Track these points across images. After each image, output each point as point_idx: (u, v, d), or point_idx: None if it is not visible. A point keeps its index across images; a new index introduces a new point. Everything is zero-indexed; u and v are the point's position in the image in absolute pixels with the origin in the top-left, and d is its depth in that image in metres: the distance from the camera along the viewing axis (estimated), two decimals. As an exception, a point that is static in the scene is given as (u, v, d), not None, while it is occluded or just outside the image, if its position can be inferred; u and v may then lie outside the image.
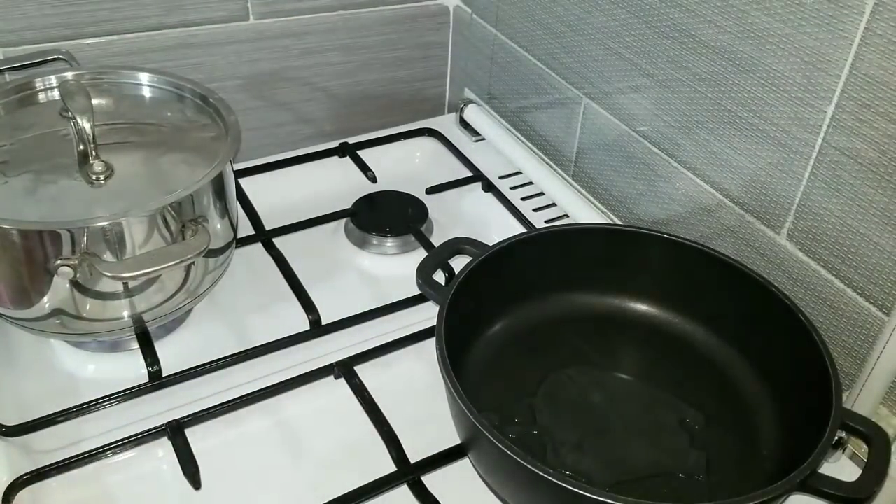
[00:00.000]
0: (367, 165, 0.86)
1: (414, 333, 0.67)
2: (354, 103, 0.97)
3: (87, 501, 0.55)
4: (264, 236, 0.76)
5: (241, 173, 0.83)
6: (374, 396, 0.61)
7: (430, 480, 0.56)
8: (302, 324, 0.67)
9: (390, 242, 0.78)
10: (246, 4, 0.84)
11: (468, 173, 0.88)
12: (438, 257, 0.65)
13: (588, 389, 0.61)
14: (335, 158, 0.88)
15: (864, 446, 0.53)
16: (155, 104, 0.68)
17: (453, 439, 0.56)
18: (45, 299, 0.56)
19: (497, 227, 0.81)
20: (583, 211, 0.80)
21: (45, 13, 0.75)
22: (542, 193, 0.85)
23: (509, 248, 0.63)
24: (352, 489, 0.54)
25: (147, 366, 0.61)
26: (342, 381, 0.63)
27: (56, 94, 0.66)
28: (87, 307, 0.58)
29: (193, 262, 0.60)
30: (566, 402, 0.60)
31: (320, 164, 0.87)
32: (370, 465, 0.56)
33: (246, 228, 0.76)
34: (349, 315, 0.68)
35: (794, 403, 0.57)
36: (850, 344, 0.60)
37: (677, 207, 0.72)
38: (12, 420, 0.58)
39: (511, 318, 0.66)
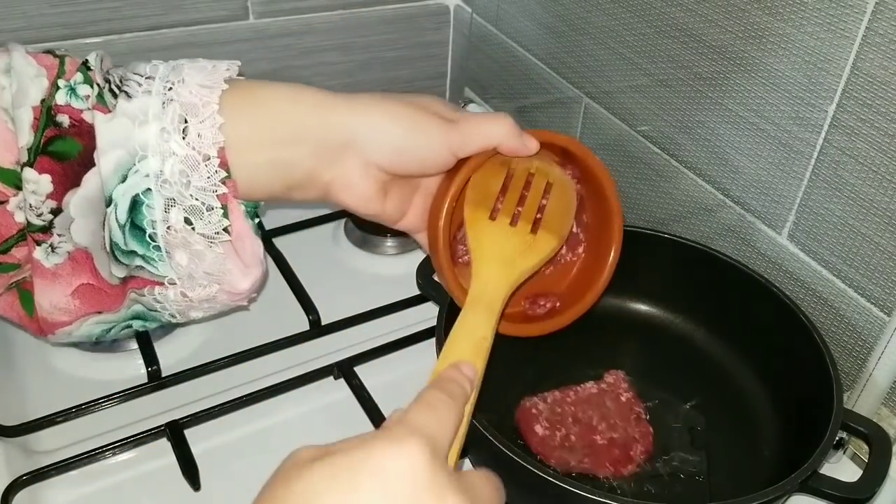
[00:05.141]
0: (367, 165, 0.86)
1: (414, 333, 0.66)
2: (354, 103, 0.96)
3: (87, 501, 0.55)
4: (264, 236, 0.76)
5: (241, 173, 0.83)
6: (374, 397, 0.61)
7: (430, 481, 0.56)
8: (302, 324, 0.67)
9: (390, 242, 0.78)
10: (246, 4, 0.84)
11: (468, 173, 0.88)
12: (438, 257, 0.65)
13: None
14: (335, 158, 0.88)
15: (865, 447, 0.53)
16: (155, 104, 0.67)
17: (453, 439, 0.56)
18: (45, 299, 0.56)
19: (497, 227, 0.81)
20: (583, 211, 0.80)
21: (44, 13, 0.75)
22: (542, 193, 0.85)
23: (509, 247, 0.63)
24: (352, 489, 0.54)
25: (146, 366, 0.61)
26: (342, 381, 0.63)
27: (56, 93, 0.66)
28: (87, 307, 0.58)
29: (193, 262, 0.60)
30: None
31: (320, 164, 0.87)
32: (370, 465, 0.56)
33: (246, 228, 0.76)
34: (349, 315, 0.68)
35: (795, 404, 0.57)
36: (850, 344, 0.59)
37: (678, 207, 0.72)
38: (12, 420, 0.57)
39: (511, 318, 0.65)
